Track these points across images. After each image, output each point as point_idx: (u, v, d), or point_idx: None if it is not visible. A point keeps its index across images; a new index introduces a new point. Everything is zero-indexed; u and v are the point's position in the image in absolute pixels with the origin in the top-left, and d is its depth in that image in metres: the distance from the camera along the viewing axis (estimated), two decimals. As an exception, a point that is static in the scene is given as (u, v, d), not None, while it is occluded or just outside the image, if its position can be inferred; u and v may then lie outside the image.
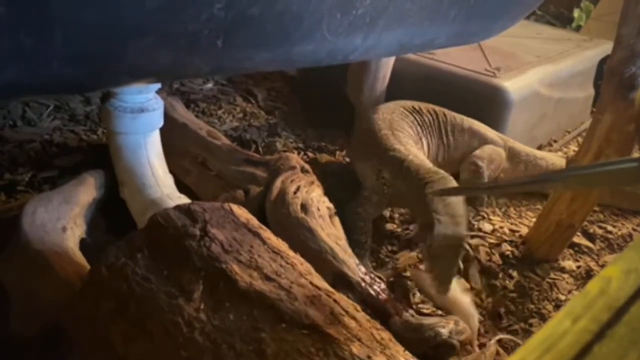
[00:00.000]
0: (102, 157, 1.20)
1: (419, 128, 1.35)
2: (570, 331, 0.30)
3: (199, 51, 0.57)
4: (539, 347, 0.29)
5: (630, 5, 1.02)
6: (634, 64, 1.01)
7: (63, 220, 0.98)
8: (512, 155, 1.44)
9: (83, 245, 1.02)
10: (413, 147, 1.22)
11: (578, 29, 2.49)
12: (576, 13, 2.51)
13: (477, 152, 1.38)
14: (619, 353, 0.30)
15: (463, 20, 0.90)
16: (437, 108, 1.41)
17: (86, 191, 1.08)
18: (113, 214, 1.15)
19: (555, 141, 1.85)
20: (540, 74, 1.68)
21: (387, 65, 1.58)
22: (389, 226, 1.27)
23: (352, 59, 0.82)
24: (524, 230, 1.29)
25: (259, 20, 0.59)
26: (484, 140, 1.41)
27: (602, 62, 1.89)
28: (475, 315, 0.93)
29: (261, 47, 0.64)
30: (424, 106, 1.40)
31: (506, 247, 1.23)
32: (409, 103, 1.39)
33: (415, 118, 1.36)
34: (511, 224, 1.35)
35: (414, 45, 0.90)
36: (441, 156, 1.38)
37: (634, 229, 1.38)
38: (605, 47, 1.92)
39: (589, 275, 1.19)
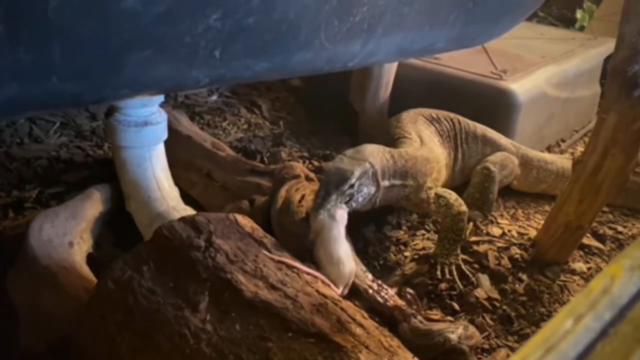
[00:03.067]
0: (109, 171, 1.21)
1: (440, 138, 1.34)
2: (572, 330, 0.30)
3: (197, 62, 0.57)
4: (540, 346, 0.28)
5: (631, 3, 1.01)
6: (637, 63, 1.00)
7: (70, 235, 0.99)
8: (525, 162, 1.43)
9: (91, 259, 1.02)
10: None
11: (581, 29, 2.48)
12: (579, 14, 2.51)
13: (490, 157, 1.37)
14: (623, 351, 0.29)
15: (462, 23, 0.90)
16: (451, 115, 1.40)
17: (92, 206, 1.09)
18: (120, 227, 1.15)
19: (563, 141, 1.84)
20: (547, 75, 1.67)
21: (390, 71, 1.58)
22: (396, 233, 1.26)
23: (352, 65, 0.82)
24: (533, 233, 1.28)
25: (255, 30, 0.59)
26: (497, 148, 1.40)
27: (607, 59, 1.88)
28: (348, 266, 0.92)
29: (259, 57, 0.64)
30: (440, 114, 1.38)
31: (515, 251, 1.22)
32: (425, 111, 1.38)
33: (436, 127, 1.35)
34: (519, 226, 1.34)
35: (414, 50, 0.90)
36: (458, 165, 1.37)
37: (644, 229, 1.36)
38: (609, 45, 1.91)
39: (600, 276, 1.17)
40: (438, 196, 1.15)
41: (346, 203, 0.99)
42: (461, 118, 1.40)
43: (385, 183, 1.09)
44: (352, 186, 1.00)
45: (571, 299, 1.11)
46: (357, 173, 1.00)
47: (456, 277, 1.09)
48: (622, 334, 0.30)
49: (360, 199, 1.02)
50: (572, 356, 0.28)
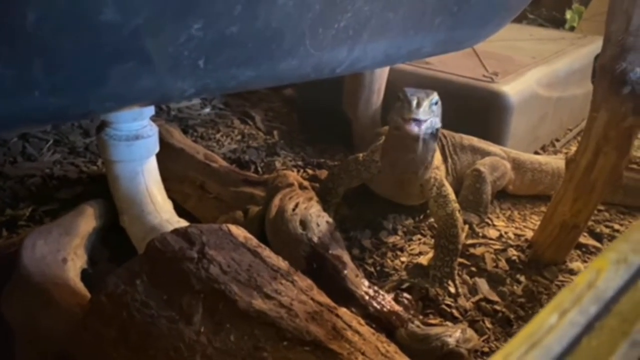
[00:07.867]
0: (103, 187, 1.21)
1: None
2: (557, 325, 0.29)
3: (181, 72, 0.57)
4: (524, 342, 0.28)
5: (616, 2, 1.02)
6: (624, 60, 1.00)
7: (63, 251, 0.98)
8: (517, 165, 1.44)
9: (85, 275, 1.01)
10: None
11: (571, 30, 2.50)
12: (568, 14, 2.52)
13: (479, 161, 1.38)
14: (609, 345, 0.29)
15: (448, 27, 0.90)
16: None
17: (86, 221, 1.08)
18: (115, 242, 1.15)
19: (557, 140, 1.84)
20: (538, 75, 1.68)
21: (382, 77, 1.59)
22: (392, 238, 1.26)
23: (339, 72, 0.82)
24: (529, 234, 1.28)
25: (239, 39, 0.59)
26: (486, 155, 1.41)
27: (597, 58, 1.88)
28: None
29: (244, 65, 0.64)
30: None
31: (512, 252, 1.22)
32: None
33: None
34: (516, 228, 1.33)
35: (401, 55, 0.90)
36: (450, 175, 1.37)
37: (641, 226, 1.36)
38: (599, 43, 1.91)
39: (598, 275, 1.17)
40: (442, 185, 1.15)
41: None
42: (446, 132, 1.40)
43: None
44: (436, 103, 1.01)
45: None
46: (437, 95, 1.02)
47: (450, 286, 1.09)
48: (608, 327, 0.30)
49: (438, 122, 1.03)
50: (557, 351, 0.28)
